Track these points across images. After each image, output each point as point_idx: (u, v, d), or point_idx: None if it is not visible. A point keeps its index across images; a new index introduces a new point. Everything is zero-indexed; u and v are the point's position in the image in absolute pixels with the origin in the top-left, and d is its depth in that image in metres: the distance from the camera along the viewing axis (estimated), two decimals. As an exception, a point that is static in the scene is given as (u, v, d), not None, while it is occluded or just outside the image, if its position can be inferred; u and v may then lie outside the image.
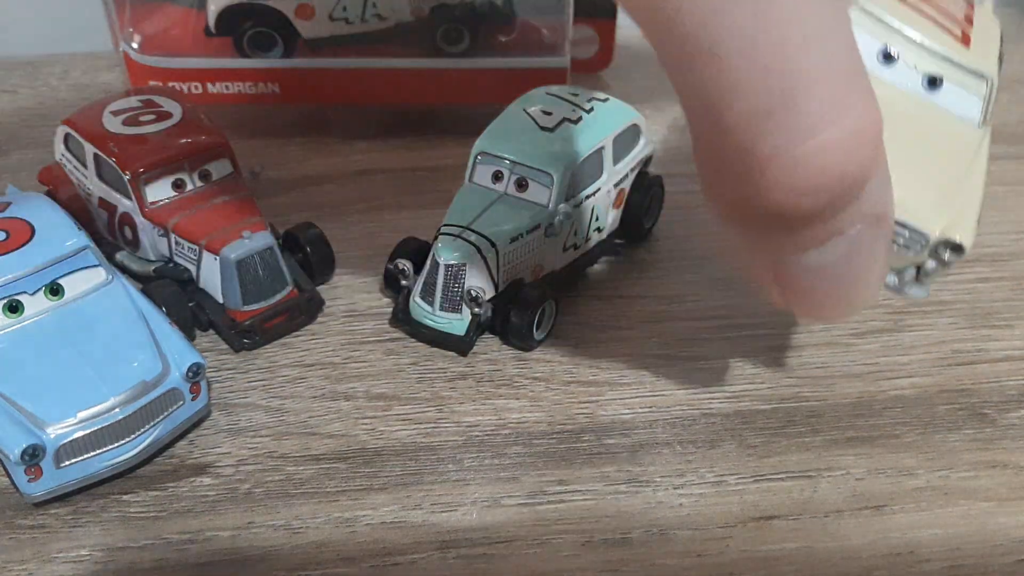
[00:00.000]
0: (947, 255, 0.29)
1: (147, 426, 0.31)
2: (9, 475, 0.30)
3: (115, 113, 0.39)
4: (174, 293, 0.36)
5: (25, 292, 0.32)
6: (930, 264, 0.29)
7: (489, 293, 0.36)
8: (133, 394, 0.31)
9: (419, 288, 0.37)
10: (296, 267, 0.38)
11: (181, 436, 0.33)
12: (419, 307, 0.37)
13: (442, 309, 0.36)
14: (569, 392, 0.35)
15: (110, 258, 0.37)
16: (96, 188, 0.38)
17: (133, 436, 0.31)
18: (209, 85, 0.47)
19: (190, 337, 0.36)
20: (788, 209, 0.20)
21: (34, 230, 0.33)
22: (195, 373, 0.32)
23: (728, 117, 0.19)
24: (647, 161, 0.42)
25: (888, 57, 0.30)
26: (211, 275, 0.36)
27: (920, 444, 0.33)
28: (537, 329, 0.36)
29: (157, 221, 0.37)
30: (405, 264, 0.37)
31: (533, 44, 0.48)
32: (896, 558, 0.30)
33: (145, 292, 0.35)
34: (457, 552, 0.30)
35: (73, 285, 0.33)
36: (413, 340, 0.37)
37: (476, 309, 0.36)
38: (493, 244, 0.35)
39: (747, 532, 0.30)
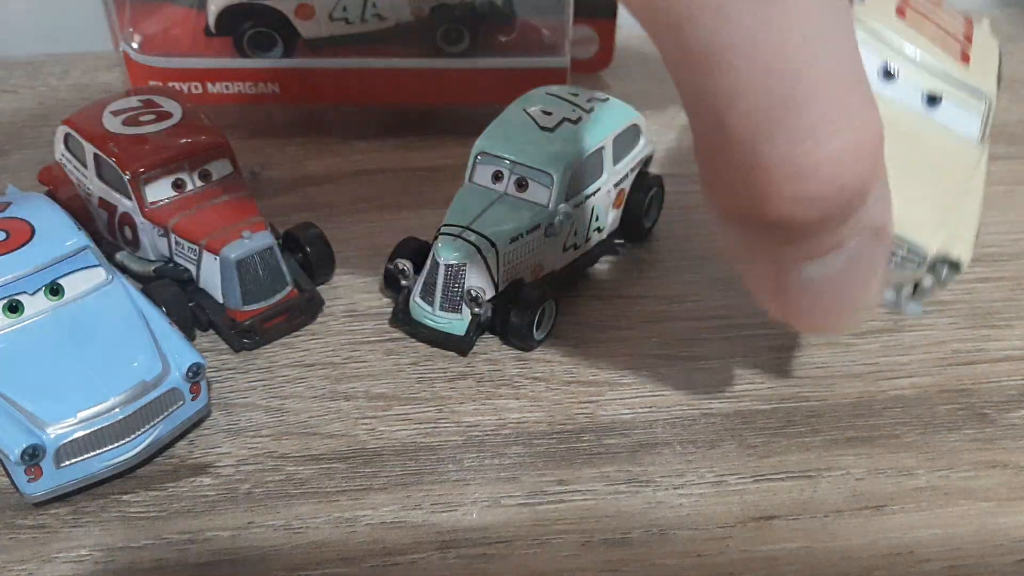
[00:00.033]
0: (944, 272, 0.29)
1: (147, 426, 0.31)
2: (9, 475, 0.30)
3: (115, 113, 0.39)
4: (174, 293, 0.36)
5: (25, 292, 0.32)
6: (927, 281, 0.29)
7: (489, 293, 0.36)
8: (133, 394, 0.31)
9: (419, 288, 0.37)
10: (296, 267, 0.38)
11: (181, 436, 0.33)
12: (419, 307, 0.37)
13: (442, 309, 0.36)
14: (569, 392, 0.35)
15: (110, 258, 0.37)
16: (96, 188, 0.38)
17: (133, 436, 0.31)
18: (209, 85, 0.47)
19: (190, 337, 0.36)
20: (789, 218, 0.20)
21: (34, 230, 0.33)
22: (195, 373, 0.32)
23: (732, 123, 0.19)
24: (647, 161, 0.42)
25: (888, 74, 0.30)
26: (211, 275, 0.36)
27: (920, 444, 0.33)
28: (537, 329, 0.36)
29: (157, 221, 0.37)
30: (405, 264, 0.37)
31: (533, 44, 0.48)
32: (896, 558, 0.30)
33: (145, 292, 0.35)
34: (457, 552, 0.30)
35: (73, 285, 0.33)
36: (413, 340, 0.37)
37: (476, 309, 0.36)
38: (493, 244, 0.35)
39: (747, 532, 0.30)
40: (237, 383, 0.35)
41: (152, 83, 0.46)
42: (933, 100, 0.30)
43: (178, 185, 0.37)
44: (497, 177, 0.37)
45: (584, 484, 0.32)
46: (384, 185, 0.46)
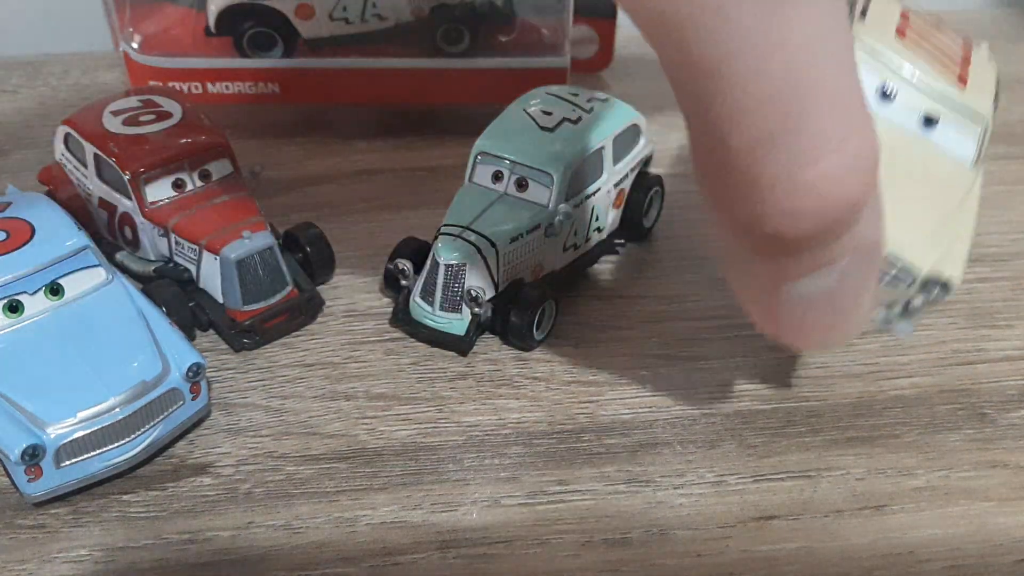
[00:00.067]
0: (935, 292, 0.29)
1: (147, 426, 0.31)
2: (9, 475, 0.30)
3: (115, 113, 0.39)
4: (174, 293, 0.36)
5: (25, 292, 0.32)
6: (918, 300, 0.30)
7: (489, 293, 0.36)
8: (133, 394, 0.31)
9: (419, 288, 0.37)
10: (296, 267, 0.38)
11: (181, 436, 0.33)
12: (419, 307, 0.37)
13: (442, 309, 0.36)
14: (569, 392, 0.35)
15: (110, 258, 0.37)
16: (96, 188, 0.38)
17: (133, 436, 0.31)
18: (209, 85, 0.47)
19: (190, 337, 0.36)
20: (785, 232, 0.20)
21: (34, 230, 0.33)
22: (195, 373, 0.32)
23: (733, 139, 0.19)
24: (647, 161, 0.42)
25: (886, 94, 0.30)
26: (211, 275, 0.36)
27: (920, 444, 0.33)
28: (537, 329, 0.36)
29: (157, 221, 0.37)
30: (405, 264, 0.37)
31: (533, 44, 0.48)
32: (896, 558, 0.30)
33: (145, 292, 0.35)
34: (457, 552, 0.30)
35: (73, 285, 0.33)
36: (413, 340, 0.37)
37: (476, 309, 0.36)
38: (493, 244, 0.35)
39: (747, 532, 0.30)
40: (237, 383, 0.35)
41: (152, 83, 0.46)
42: (930, 121, 0.30)
43: (178, 185, 0.37)
44: (497, 177, 0.37)
45: (584, 484, 0.32)
46: (384, 185, 0.46)
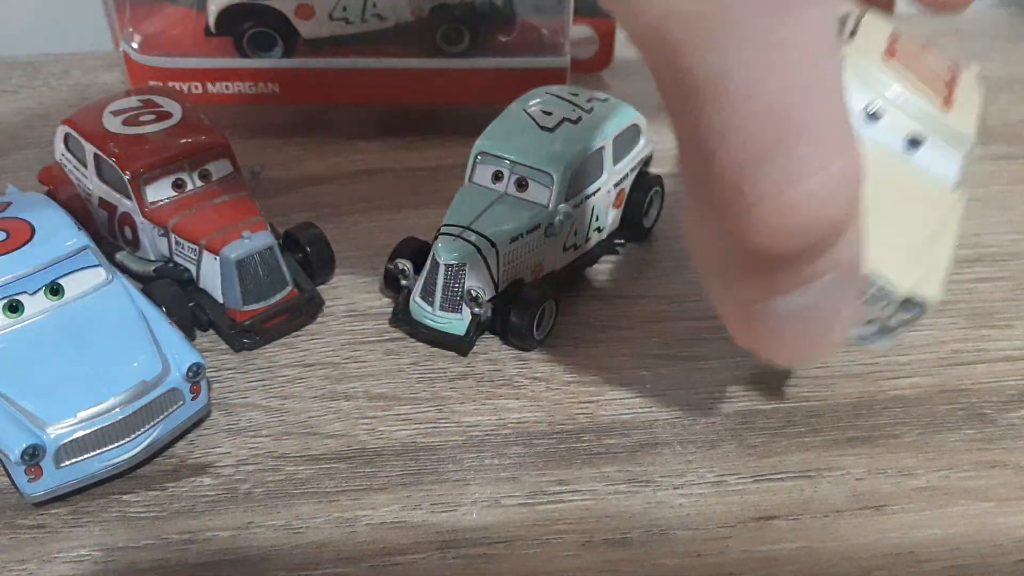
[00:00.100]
0: (912, 312, 0.29)
1: (147, 426, 0.31)
2: (9, 475, 0.30)
3: (115, 113, 0.39)
4: (174, 293, 0.36)
5: (25, 292, 0.32)
6: (895, 319, 0.30)
7: (489, 293, 0.36)
8: (133, 394, 0.31)
9: (419, 288, 0.37)
10: (296, 267, 0.38)
11: (181, 436, 0.33)
12: (419, 307, 0.37)
13: (442, 309, 0.36)
14: (569, 392, 0.35)
15: (110, 258, 0.37)
16: (96, 188, 0.38)
17: (133, 436, 0.31)
18: (209, 85, 0.47)
19: (190, 337, 0.36)
20: (770, 249, 0.21)
21: (34, 230, 0.33)
22: (195, 373, 0.32)
23: (722, 156, 0.20)
24: (647, 161, 0.42)
25: (872, 115, 0.30)
26: (211, 275, 0.36)
27: (920, 444, 0.33)
28: (537, 329, 0.36)
29: (157, 221, 0.37)
30: (405, 264, 0.37)
31: (533, 44, 0.48)
32: (896, 558, 0.30)
33: (145, 292, 0.35)
34: (457, 552, 0.30)
35: (73, 285, 0.33)
36: (413, 340, 0.37)
37: (476, 309, 0.36)
38: (493, 244, 0.35)
39: (747, 532, 0.30)
40: (237, 383, 0.35)
41: (152, 83, 0.46)
42: (914, 143, 0.31)
43: (178, 185, 0.37)
44: (497, 177, 0.37)
45: (584, 484, 0.32)
46: (384, 185, 0.46)
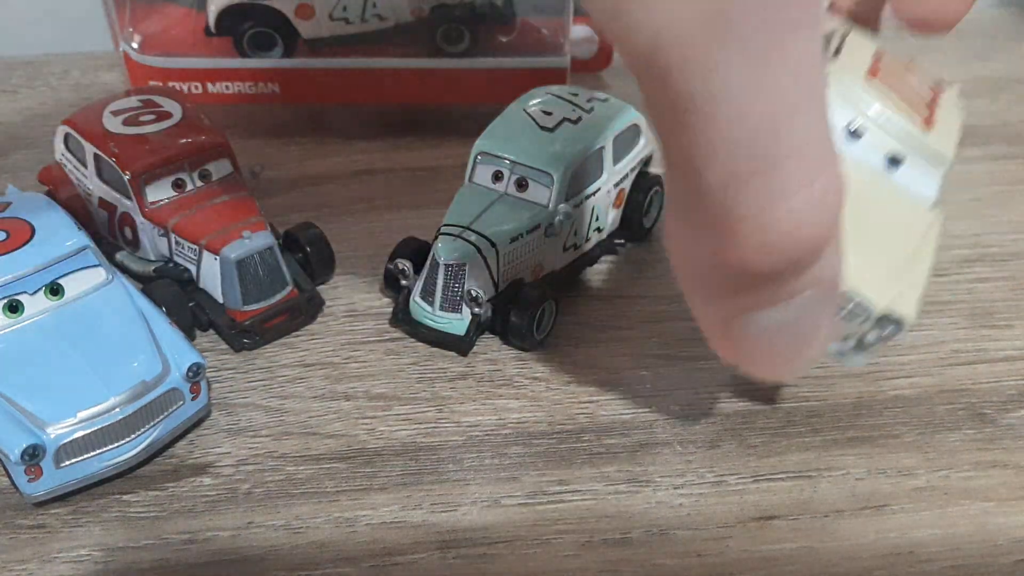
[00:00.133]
0: (889, 329, 0.30)
1: (147, 426, 0.31)
2: (9, 475, 0.30)
3: (115, 113, 0.39)
4: (174, 293, 0.36)
5: (25, 292, 0.32)
6: (872, 336, 0.30)
7: (489, 293, 0.36)
8: (133, 394, 0.31)
9: (419, 288, 0.37)
10: (296, 267, 0.38)
11: (181, 436, 0.33)
12: (419, 307, 0.37)
13: (442, 309, 0.36)
14: (569, 392, 0.35)
15: (110, 258, 0.37)
16: (96, 188, 0.38)
17: (133, 436, 0.31)
18: (209, 85, 0.47)
19: (190, 337, 0.36)
20: (752, 266, 0.21)
21: (34, 230, 0.33)
22: (195, 373, 0.32)
23: (709, 174, 0.20)
24: (647, 161, 0.42)
25: (853, 133, 0.31)
26: (211, 275, 0.36)
27: (920, 444, 0.33)
28: (537, 329, 0.36)
29: (157, 221, 0.37)
30: (405, 264, 0.37)
31: (533, 44, 0.48)
32: (896, 558, 0.30)
33: (145, 292, 0.35)
34: (457, 552, 0.30)
35: (73, 285, 0.33)
36: (413, 340, 0.37)
37: (476, 309, 0.36)
38: (493, 244, 0.35)
39: (747, 532, 0.30)
40: (237, 383, 0.35)
41: (152, 83, 0.46)
42: (894, 162, 0.31)
43: (178, 185, 0.37)
44: (497, 177, 0.37)
45: (584, 484, 0.32)
46: (384, 185, 0.46)
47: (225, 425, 0.34)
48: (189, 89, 0.46)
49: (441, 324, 0.36)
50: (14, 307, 0.32)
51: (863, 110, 0.31)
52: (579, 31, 0.51)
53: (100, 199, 0.39)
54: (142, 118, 0.38)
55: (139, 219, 0.37)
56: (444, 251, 0.35)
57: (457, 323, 0.36)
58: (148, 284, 0.36)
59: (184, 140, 0.38)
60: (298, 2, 0.45)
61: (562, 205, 0.37)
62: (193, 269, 0.37)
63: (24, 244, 0.33)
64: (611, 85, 0.53)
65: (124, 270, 0.38)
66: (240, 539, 0.30)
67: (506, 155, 0.37)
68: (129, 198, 0.37)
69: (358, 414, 0.34)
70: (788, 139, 0.19)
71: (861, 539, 0.30)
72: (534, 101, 0.39)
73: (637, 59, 0.19)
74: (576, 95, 0.40)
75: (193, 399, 0.32)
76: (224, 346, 0.37)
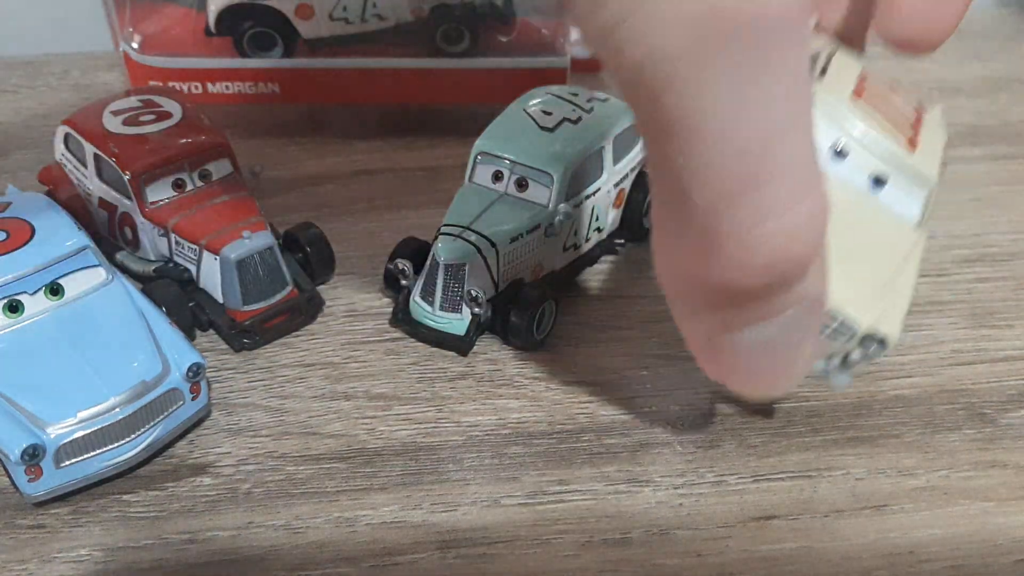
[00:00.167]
0: (872, 347, 0.30)
1: (147, 426, 0.31)
2: (9, 475, 0.30)
3: (115, 113, 0.39)
4: (174, 293, 0.36)
5: (25, 292, 0.32)
6: (856, 354, 0.30)
7: (489, 293, 0.36)
8: (133, 394, 0.31)
9: (419, 288, 0.37)
10: (296, 267, 0.38)
11: (181, 436, 0.33)
12: (419, 307, 0.37)
13: (442, 309, 0.36)
14: (569, 392, 0.35)
15: (110, 258, 0.37)
16: (96, 188, 0.38)
17: (133, 436, 0.31)
18: (209, 85, 0.47)
19: (190, 337, 0.36)
20: (737, 284, 0.21)
21: (34, 230, 0.33)
22: (195, 373, 0.32)
23: (697, 193, 0.20)
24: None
25: (838, 152, 0.31)
26: (211, 275, 0.36)
27: (920, 444, 0.33)
28: (537, 329, 0.36)
29: (157, 221, 0.37)
30: (405, 264, 0.37)
31: (533, 44, 0.48)
32: (896, 558, 0.30)
33: (145, 292, 0.35)
34: (457, 552, 0.30)
35: (73, 285, 0.33)
36: (413, 340, 0.37)
37: (476, 309, 0.36)
38: (493, 244, 0.35)
39: (747, 532, 0.30)
40: (237, 383, 0.35)
41: (152, 83, 0.46)
42: (878, 182, 0.31)
43: (178, 185, 0.37)
44: (497, 177, 0.37)
45: (584, 484, 0.32)
46: (384, 185, 0.46)
47: (225, 425, 0.34)
48: (189, 89, 0.46)
49: (441, 324, 0.36)
50: (14, 307, 0.32)
51: (848, 130, 0.31)
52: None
53: (100, 199, 0.39)
54: (142, 118, 0.38)
55: (139, 219, 0.37)
56: (444, 251, 0.35)
57: (457, 323, 0.36)
58: (148, 284, 0.36)
59: (184, 140, 0.38)
60: (298, 2, 0.45)
61: (562, 205, 0.37)
62: (193, 269, 0.37)
63: (24, 244, 0.33)
64: (611, 85, 0.53)
65: (124, 270, 0.38)
66: (240, 539, 0.30)
67: (506, 155, 0.37)
68: (129, 198, 0.37)
69: (358, 414, 0.34)
70: (775, 159, 0.20)
71: (861, 539, 0.30)
72: (534, 101, 0.39)
73: (627, 78, 0.20)
74: (576, 95, 0.40)
75: (193, 399, 0.32)
76: (224, 346, 0.37)
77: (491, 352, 0.37)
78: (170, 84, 0.46)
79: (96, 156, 0.38)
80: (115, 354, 0.31)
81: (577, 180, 0.37)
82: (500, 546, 0.30)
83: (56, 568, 0.29)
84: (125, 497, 0.31)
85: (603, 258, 0.41)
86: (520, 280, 0.37)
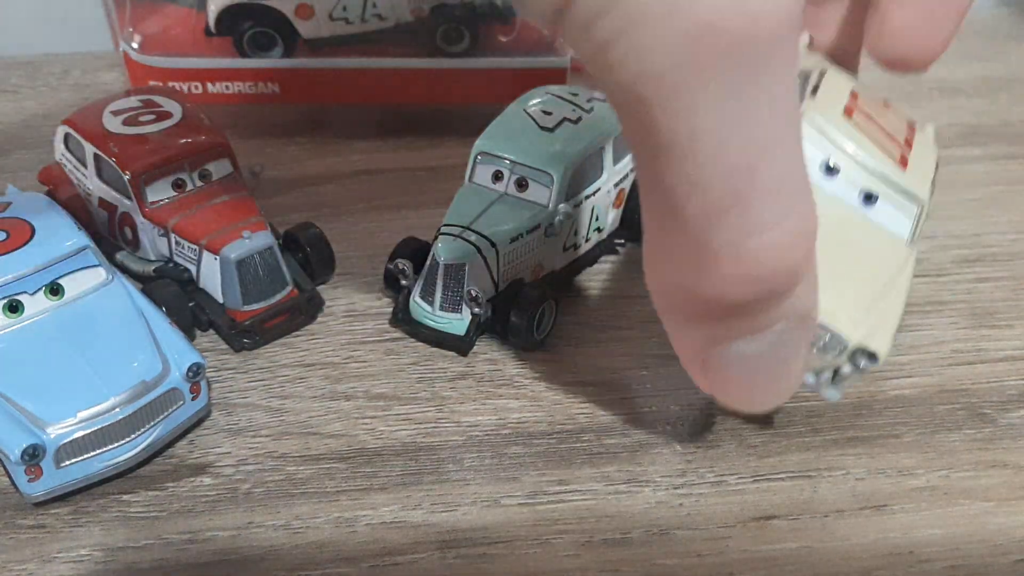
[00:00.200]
0: (863, 362, 0.30)
1: (147, 426, 0.31)
2: (9, 475, 0.30)
3: (115, 113, 0.39)
4: (174, 293, 0.36)
5: (25, 292, 0.32)
6: (846, 368, 0.31)
7: (489, 293, 0.36)
8: (133, 394, 0.31)
9: (419, 288, 0.37)
10: (296, 267, 0.38)
11: (181, 436, 0.33)
12: (419, 307, 0.37)
13: (442, 309, 0.36)
14: (569, 392, 0.35)
15: (110, 258, 0.37)
16: (96, 188, 0.38)
17: (133, 436, 0.31)
18: (209, 85, 0.47)
19: (190, 337, 0.36)
20: (726, 297, 0.22)
21: (34, 230, 0.33)
22: (195, 373, 0.32)
23: (687, 209, 0.21)
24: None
25: (830, 169, 0.31)
26: (211, 275, 0.36)
27: (920, 444, 0.33)
28: (537, 329, 0.36)
29: (157, 221, 0.37)
30: (405, 264, 0.37)
31: (533, 44, 0.48)
32: (896, 558, 0.30)
33: (145, 292, 0.35)
34: (457, 552, 0.30)
35: (73, 285, 0.33)
36: (413, 340, 0.37)
37: (476, 309, 0.36)
38: (493, 244, 0.35)
39: (747, 532, 0.30)
40: (237, 383, 0.35)
41: (152, 83, 0.46)
42: (869, 198, 0.32)
43: (178, 185, 0.37)
44: (497, 177, 0.37)
45: (584, 484, 0.32)
46: (384, 185, 0.46)
47: (225, 425, 0.34)
48: (189, 89, 0.46)
49: (441, 324, 0.36)
50: (14, 307, 0.32)
51: (839, 147, 0.31)
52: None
53: (100, 199, 0.39)
54: (142, 118, 0.38)
55: (139, 219, 0.37)
56: (444, 251, 0.35)
57: (457, 323, 0.36)
58: (148, 284, 0.36)
59: (184, 140, 0.38)
60: (298, 2, 0.45)
61: (562, 205, 0.37)
62: (193, 269, 0.37)
63: (24, 244, 0.33)
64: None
65: (124, 270, 0.38)
66: (240, 539, 0.30)
67: (506, 155, 0.37)
68: (129, 198, 0.37)
69: (358, 414, 0.34)
70: (764, 176, 0.20)
71: (861, 539, 0.30)
72: (534, 101, 0.39)
73: (618, 95, 0.20)
74: (576, 95, 0.40)
75: (193, 399, 0.32)
76: (224, 346, 0.37)
77: (491, 352, 0.37)
78: (170, 84, 0.46)
79: (96, 156, 0.38)
80: (115, 354, 0.31)
81: (577, 180, 0.37)
82: (500, 546, 0.30)
83: (56, 568, 0.29)
84: (125, 497, 0.31)
85: (603, 258, 0.41)
86: (520, 280, 0.37)
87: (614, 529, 0.30)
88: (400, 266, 0.37)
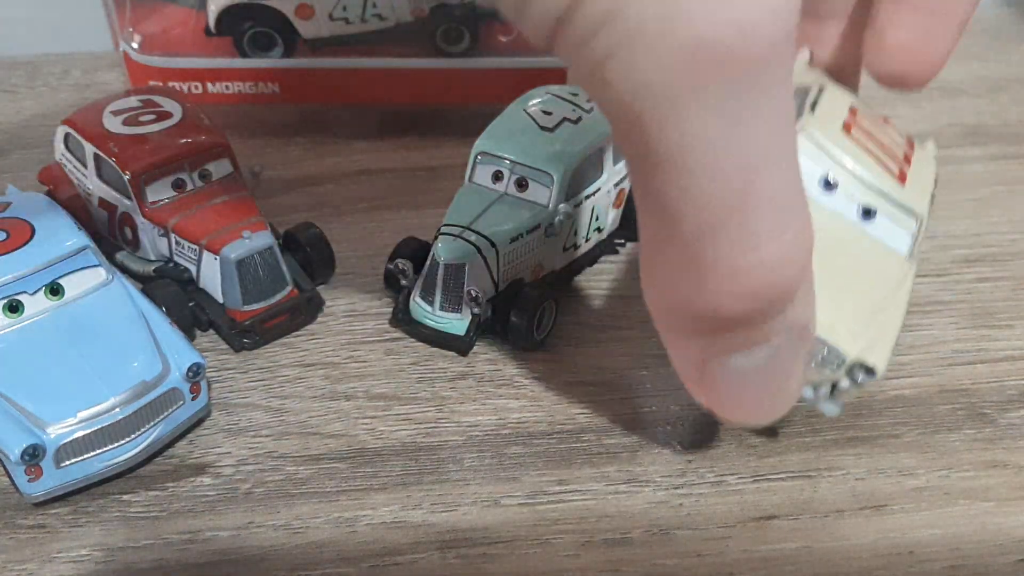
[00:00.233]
0: (861, 376, 0.30)
1: (147, 426, 0.31)
2: (9, 475, 0.30)
3: (115, 113, 0.39)
4: (174, 293, 0.36)
5: (25, 292, 0.32)
6: (844, 383, 0.31)
7: (489, 293, 0.36)
8: (133, 394, 0.31)
9: (419, 288, 0.37)
10: (296, 267, 0.38)
11: (181, 436, 0.33)
12: (419, 307, 0.37)
13: (442, 309, 0.36)
14: (569, 392, 0.35)
15: (110, 258, 0.37)
16: (96, 188, 0.38)
17: (133, 436, 0.31)
18: (209, 85, 0.47)
19: (190, 337, 0.36)
20: (723, 312, 0.22)
21: (34, 230, 0.33)
22: (195, 373, 0.32)
23: (683, 224, 0.21)
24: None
25: (829, 184, 0.31)
26: (211, 275, 0.36)
27: (920, 444, 0.33)
28: (537, 329, 0.36)
29: (157, 221, 0.37)
30: (405, 264, 0.37)
31: (533, 44, 0.48)
32: (896, 558, 0.30)
33: (145, 292, 0.35)
34: (457, 552, 0.30)
35: (73, 285, 0.33)
36: (413, 340, 0.37)
37: (476, 309, 0.36)
38: (493, 244, 0.35)
39: (747, 532, 0.30)
40: (237, 383, 0.35)
41: (152, 83, 0.46)
42: (868, 213, 0.31)
43: (178, 185, 0.37)
44: (497, 177, 0.37)
45: (584, 484, 0.32)
46: (384, 185, 0.46)
47: (225, 425, 0.34)
48: (189, 89, 0.46)
49: (441, 324, 0.36)
50: (14, 307, 0.32)
51: (838, 163, 0.31)
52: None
53: (100, 199, 0.39)
54: (142, 118, 0.38)
55: (139, 219, 0.37)
56: (444, 251, 0.35)
57: (457, 323, 0.36)
58: (148, 284, 0.36)
59: (184, 140, 0.38)
60: (298, 2, 0.45)
61: (562, 205, 0.37)
62: (193, 269, 0.37)
63: (24, 244, 0.33)
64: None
65: (124, 270, 0.38)
66: (240, 539, 0.30)
67: (506, 155, 0.37)
68: (129, 198, 0.37)
69: (358, 414, 0.34)
70: (759, 191, 0.20)
71: (861, 539, 0.30)
72: (534, 101, 0.39)
73: (614, 110, 0.20)
74: (576, 95, 0.40)
75: (193, 399, 0.32)
76: (224, 346, 0.37)
77: (491, 352, 0.37)
78: (170, 84, 0.46)
79: (96, 156, 0.38)
80: (115, 354, 0.31)
81: (577, 180, 0.37)
82: (500, 546, 0.30)
83: (56, 568, 0.29)
84: (125, 497, 0.31)
85: (603, 258, 0.41)
86: (520, 280, 0.37)
87: (614, 529, 0.30)
88: (400, 266, 0.37)
